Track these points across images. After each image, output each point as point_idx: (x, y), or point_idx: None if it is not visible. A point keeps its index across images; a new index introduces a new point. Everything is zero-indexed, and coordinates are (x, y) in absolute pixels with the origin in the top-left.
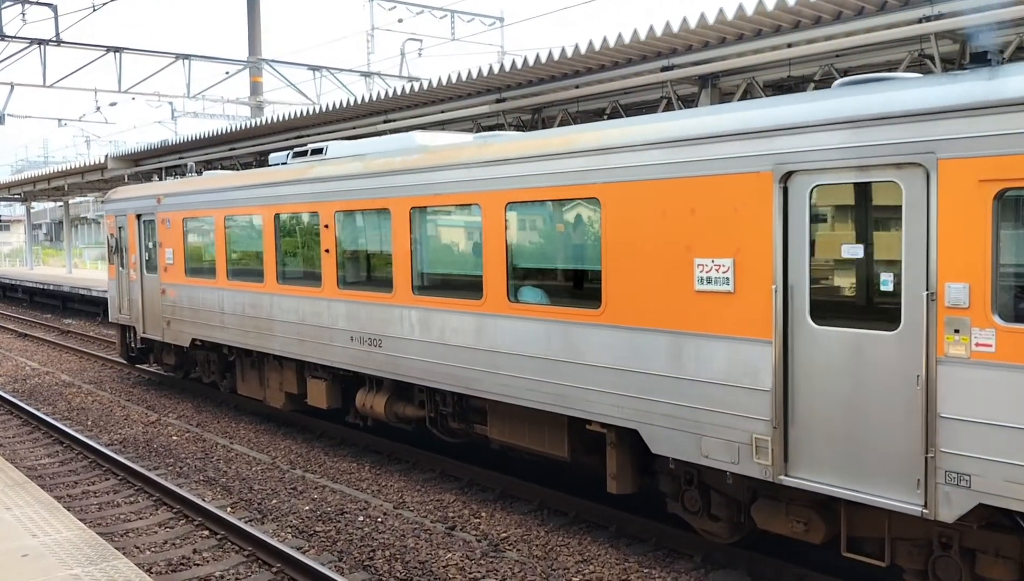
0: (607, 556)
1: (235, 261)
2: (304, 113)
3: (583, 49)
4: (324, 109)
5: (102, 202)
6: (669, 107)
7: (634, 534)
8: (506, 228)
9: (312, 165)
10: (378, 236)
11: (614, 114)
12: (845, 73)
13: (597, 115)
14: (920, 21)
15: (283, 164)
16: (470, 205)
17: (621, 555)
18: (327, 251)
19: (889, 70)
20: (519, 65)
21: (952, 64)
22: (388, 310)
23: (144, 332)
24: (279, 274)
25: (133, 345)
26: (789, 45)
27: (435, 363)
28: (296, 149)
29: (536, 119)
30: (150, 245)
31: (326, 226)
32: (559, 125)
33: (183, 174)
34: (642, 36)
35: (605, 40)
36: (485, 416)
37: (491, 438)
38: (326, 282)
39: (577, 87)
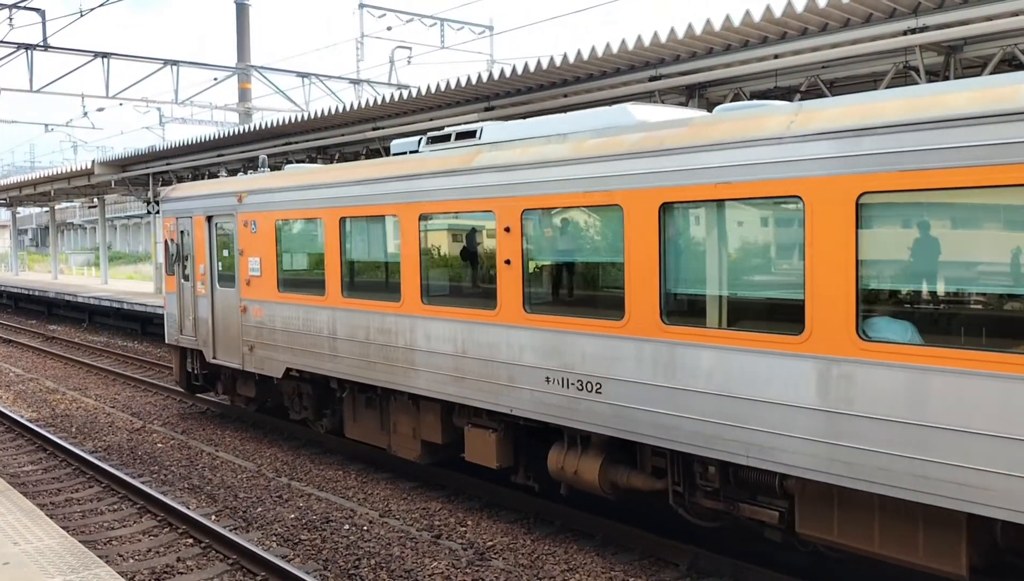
0: (593, 565)
1: (354, 274)
2: (293, 120)
3: (571, 58)
4: (313, 116)
5: (158, 201)
6: None
7: (620, 543)
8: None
9: (476, 151)
10: (595, 243)
11: None
12: (831, 85)
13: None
14: (905, 33)
15: (412, 153)
16: (784, 199)
17: (607, 564)
18: (507, 262)
19: (875, 81)
20: (508, 74)
21: (936, 76)
22: (615, 345)
23: (214, 357)
24: (424, 292)
25: (196, 371)
26: (776, 56)
27: (695, 420)
28: (432, 134)
29: None
30: (225, 253)
31: (507, 230)
32: None
33: (233, 172)
34: (630, 46)
35: (593, 49)
36: (786, 498)
37: (800, 532)
38: (505, 304)
39: (566, 96)
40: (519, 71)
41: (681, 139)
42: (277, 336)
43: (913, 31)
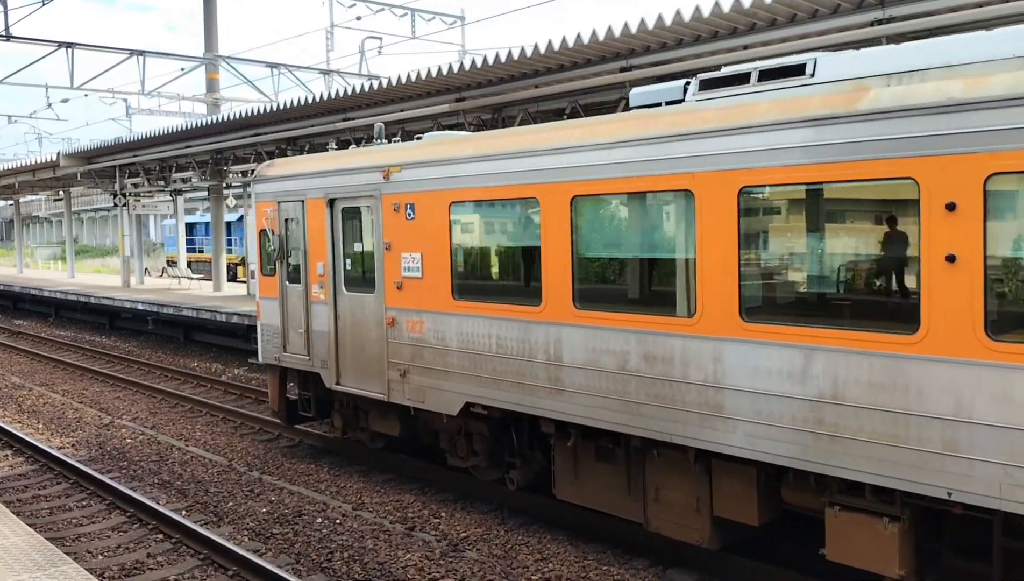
0: (566, 554)
1: (594, 277)
2: (262, 111)
3: (543, 49)
4: (282, 107)
5: (251, 182)
6: (628, 108)
7: (593, 533)
8: None
9: (857, 89)
10: None
11: (573, 114)
12: None
13: (557, 115)
14: (872, 24)
15: (671, 103)
16: None
17: (580, 553)
18: (952, 260)
19: None
20: (479, 64)
21: None
22: None
23: (339, 382)
24: (743, 304)
25: (306, 395)
26: (745, 47)
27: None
28: (706, 76)
29: (496, 118)
30: (357, 247)
31: (951, 207)
32: (519, 124)
33: (303, 150)
34: (600, 37)
35: (564, 40)
36: None
37: None
38: (946, 323)
39: (536, 87)
40: (490, 62)
41: None
42: (451, 359)
43: (880, 22)
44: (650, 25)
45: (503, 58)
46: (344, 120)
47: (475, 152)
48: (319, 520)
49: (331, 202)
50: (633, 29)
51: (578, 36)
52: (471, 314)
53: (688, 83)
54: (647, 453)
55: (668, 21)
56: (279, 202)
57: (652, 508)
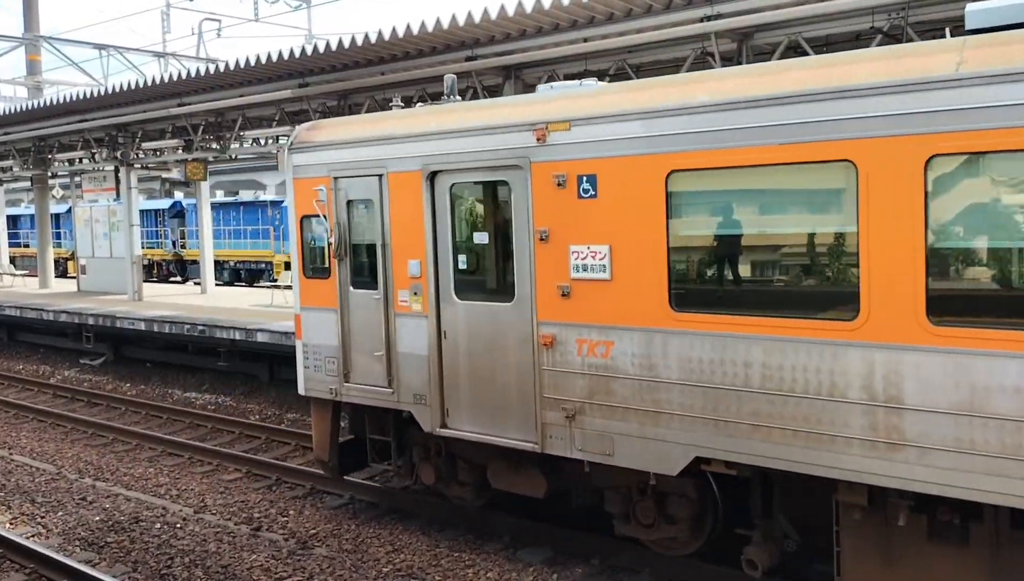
0: (418, 544)
1: (971, 279)
2: (90, 95)
3: (388, 36)
4: (112, 90)
5: (286, 150)
6: (475, 96)
7: (446, 520)
8: None
9: None
10: None
11: (422, 102)
12: (638, 69)
13: (405, 102)
14: (702, 20)
15: None
16: None
17: (432, 541)
18: None
19: (676, 66)
20: (322, 50)
21: (731, 61)
22: None
23: (445, 425)
24: None
25: (364, 437)
26: (585, 40)
27: None
28: None
29: (343, 105)
30: (481, 239)
31: None
32: (366, 112)
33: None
34: (445, 25)
35: (409, 28)
36: None
37: None
38: None
39: (383, 73)
40: (334, 47)
41: None
42: (667, 396)
43: (709, 18)
44: (493, 15)
45: (348, 44)
46: (179, 105)
47: (715, 97)
48: (158, 526)
49: (432, 177)
50: (477, 19)
51: (422, 24)
52: (706, 332)
53: None
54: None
55: (511, 12)
56: (335, 178)
57: None
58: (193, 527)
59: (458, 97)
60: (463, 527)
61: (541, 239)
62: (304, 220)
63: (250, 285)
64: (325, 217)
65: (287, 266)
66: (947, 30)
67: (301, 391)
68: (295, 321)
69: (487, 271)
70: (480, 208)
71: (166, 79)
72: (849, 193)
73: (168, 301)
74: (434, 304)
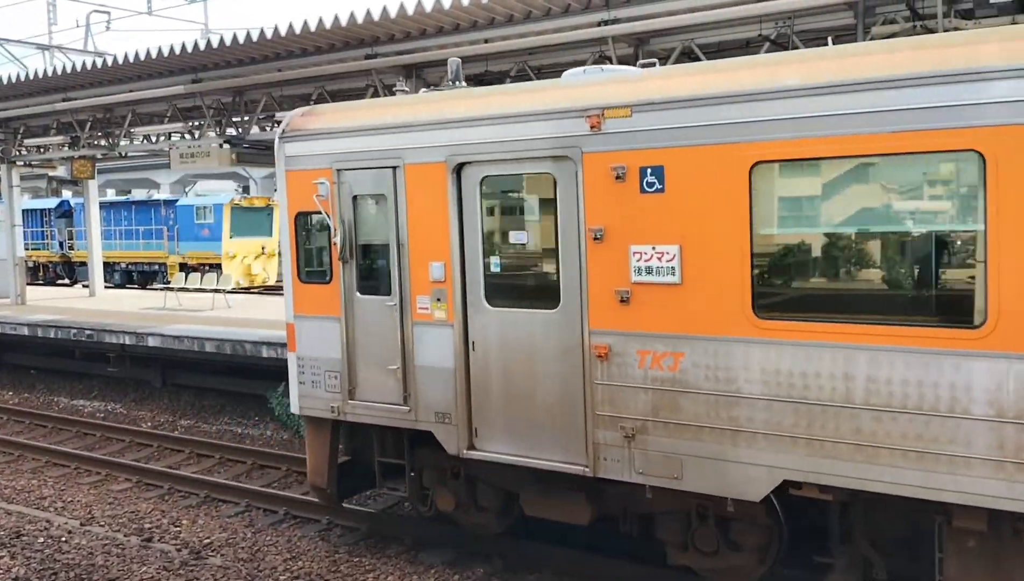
0: (316, 550)
1: None
2: None
3: (284, 32)
4: None
5: (277, 140)
6: (376, 95)
7: (346, 525)
8: None
9: None
10: None
11: (320, 100)
12: (538, 71)
13: (303, 100)
14: (599, 24)
15: None
16: None
17: (331, 547)
18: None
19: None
20: (216, 45)
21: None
22: None
23: (474, 446)
24: None
25: (373, 460)
26: (486, 40)
27: None
28: None
29: (238, 102)
30: (518, 238)
31: None
32: (263, 110)
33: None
34: (343, 22)
35: (307, 24)
36: None
37: None
38: None
39: (280, 70)
40: (229, 42)
41: None
42: (748, 413)
43: (606, 23)
44: (392, 14)
45: (243, 39)
46: (64, 100)
47: (807, 80)
48: (41, 540)
49: (459, 169)
50: (376, 17)
51: (320, 20)
52: (796, 341)
53: None
54: None
55: (410, 11)
56: (339, 170)
57: None
58: (79, 540)
59: (463, 83)
60: (363, 531)
61: (595, 238)
62: (299, 217)
63: (143, 288)
64: (327, 214)
65: (182, 267)
66: (829, 39)
67: (294, 410)
68: (287, 331)
69: (525, 275)
70: (517, 204)
71: (50, 73)
72: (975, 186)
73: (54, 304)
74: (460, 311)
